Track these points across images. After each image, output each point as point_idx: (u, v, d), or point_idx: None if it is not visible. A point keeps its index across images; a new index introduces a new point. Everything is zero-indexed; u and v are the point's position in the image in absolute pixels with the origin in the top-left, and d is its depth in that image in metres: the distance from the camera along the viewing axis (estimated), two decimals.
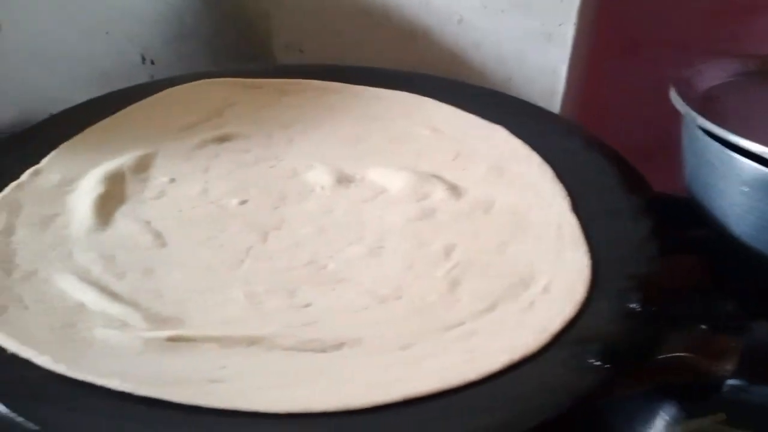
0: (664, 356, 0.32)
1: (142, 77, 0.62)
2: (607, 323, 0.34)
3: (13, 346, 0.30)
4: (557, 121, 0.54)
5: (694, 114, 0.40)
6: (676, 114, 0.43)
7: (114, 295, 0.34)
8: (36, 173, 0.42)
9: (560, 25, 0.61)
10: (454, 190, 0.44)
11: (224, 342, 0.32)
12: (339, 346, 0.32)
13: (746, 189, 0.38)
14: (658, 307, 0.34)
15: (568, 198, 0.43)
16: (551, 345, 0.32)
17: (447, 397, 0.29)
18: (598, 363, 0.31)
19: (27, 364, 0.29)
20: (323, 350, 0.32)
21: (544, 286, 0.36)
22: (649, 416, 0.36)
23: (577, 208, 0.43)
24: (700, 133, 0.40)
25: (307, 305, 0.35)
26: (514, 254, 0.39)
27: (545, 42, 0.62)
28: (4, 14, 0.51)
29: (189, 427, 0.28)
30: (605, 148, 0.49)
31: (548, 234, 0.40)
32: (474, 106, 0.55)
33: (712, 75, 0.46)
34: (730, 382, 0.32)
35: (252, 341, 0.32)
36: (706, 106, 0.42)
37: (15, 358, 0.29)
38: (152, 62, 0.63)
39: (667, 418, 0.36)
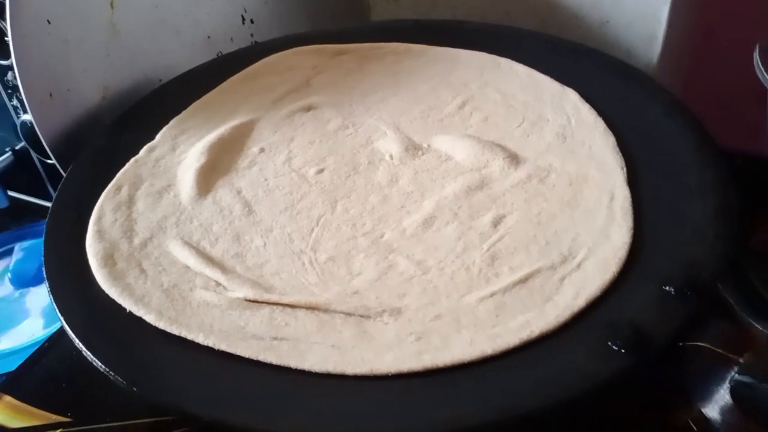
0: (681, 343, 0.32)
1: (243, 37, 0.66)
2: (636, 307, 0.34)
3: (129, 305, 0.39)
4: (641, 81, 0.52)
5: None
6: None
7: (209, 259, 0.42)
8: (151, 149, 0.50)
9: None
10: (514, 159, 0.46)
11: (291, 306, 0.38)
12: (380, 313, 0.37)
13: None
14: (693, 292, 0.34)
15: (625, 169, 0.43)
16: (575, 324, 0.34)
17: (463, 371, 0.33)
18: (618, 349, 0.31)
19: (141, 320, 0.38)
20: (368, 316, 0.37)
21: (578, 263, 0.38)
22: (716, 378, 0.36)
23: (640, 180, 0.43)
24: None
25: (359, 274, 0.40)
26: (561, 228, 0.41)
27: None
28: None
29: (253, 376, 0.35)
30: (687, 114, 0.47)
31: (599, 208, 0.41)
32: (554, 64, 0.54)
33: None
34: (738, 377, 0.31)
35: (313, 306, 0.38)
36: None
37: (132, 316, 0.38)
38: (252, 21, 0.66)
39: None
